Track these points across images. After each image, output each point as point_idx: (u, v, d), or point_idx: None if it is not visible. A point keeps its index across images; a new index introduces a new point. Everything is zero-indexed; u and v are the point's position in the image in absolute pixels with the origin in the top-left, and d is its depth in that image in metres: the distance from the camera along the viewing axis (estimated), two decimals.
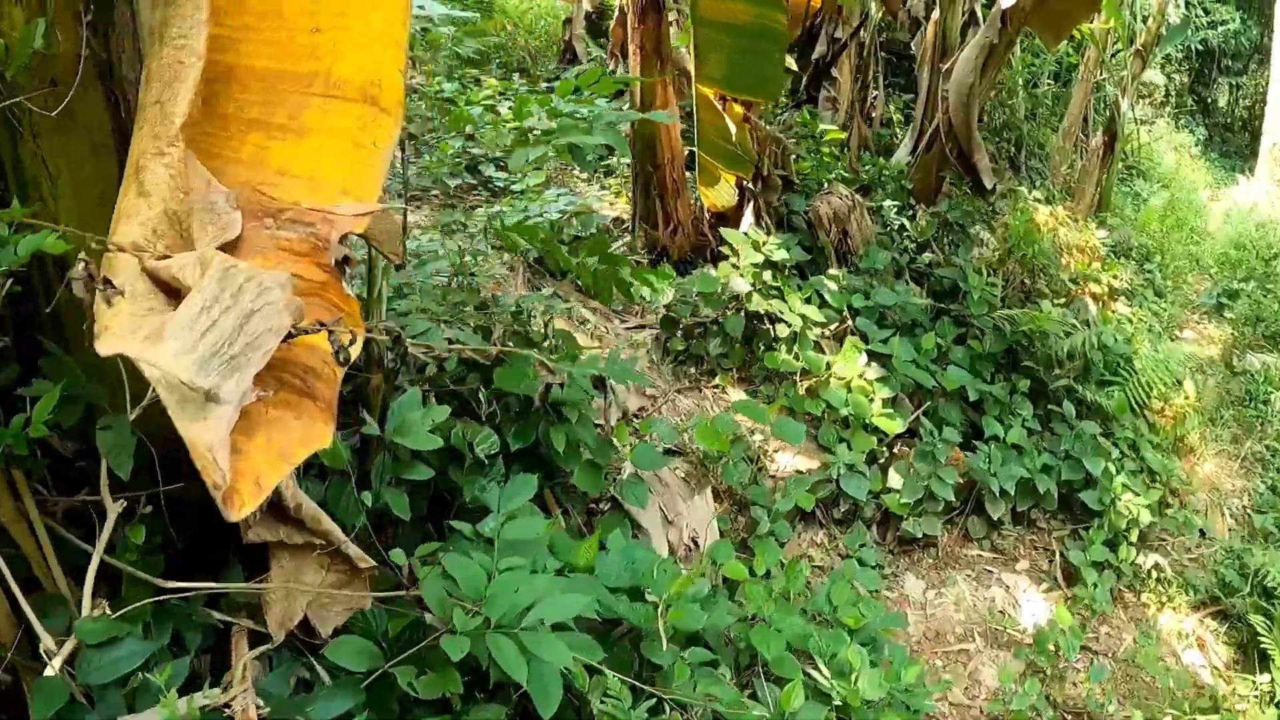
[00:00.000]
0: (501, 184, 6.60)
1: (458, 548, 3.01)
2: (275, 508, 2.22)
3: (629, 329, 5.63)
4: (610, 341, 5.53)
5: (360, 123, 1.73)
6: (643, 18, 5.65)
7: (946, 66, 6.54)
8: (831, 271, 5.49)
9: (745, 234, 5.33)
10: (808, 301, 5.21)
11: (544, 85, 8.88)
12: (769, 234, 5.74)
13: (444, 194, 6.59)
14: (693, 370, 5.28)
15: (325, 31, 1.75)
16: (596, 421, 4.29)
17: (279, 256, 1.62)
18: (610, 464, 4.16)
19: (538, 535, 3.03)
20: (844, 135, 6.96)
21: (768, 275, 5.16)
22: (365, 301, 3.46)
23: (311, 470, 3.06)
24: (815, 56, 7.85)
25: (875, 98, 8.07)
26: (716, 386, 5.19)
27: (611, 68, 8.17)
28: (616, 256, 4.17)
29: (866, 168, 6.96)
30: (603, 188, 7.14)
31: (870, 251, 5.67)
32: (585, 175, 7.21)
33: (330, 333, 1.56)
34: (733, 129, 5.23)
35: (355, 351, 1.62)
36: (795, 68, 7.34)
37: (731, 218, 5.94)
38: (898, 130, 8.14)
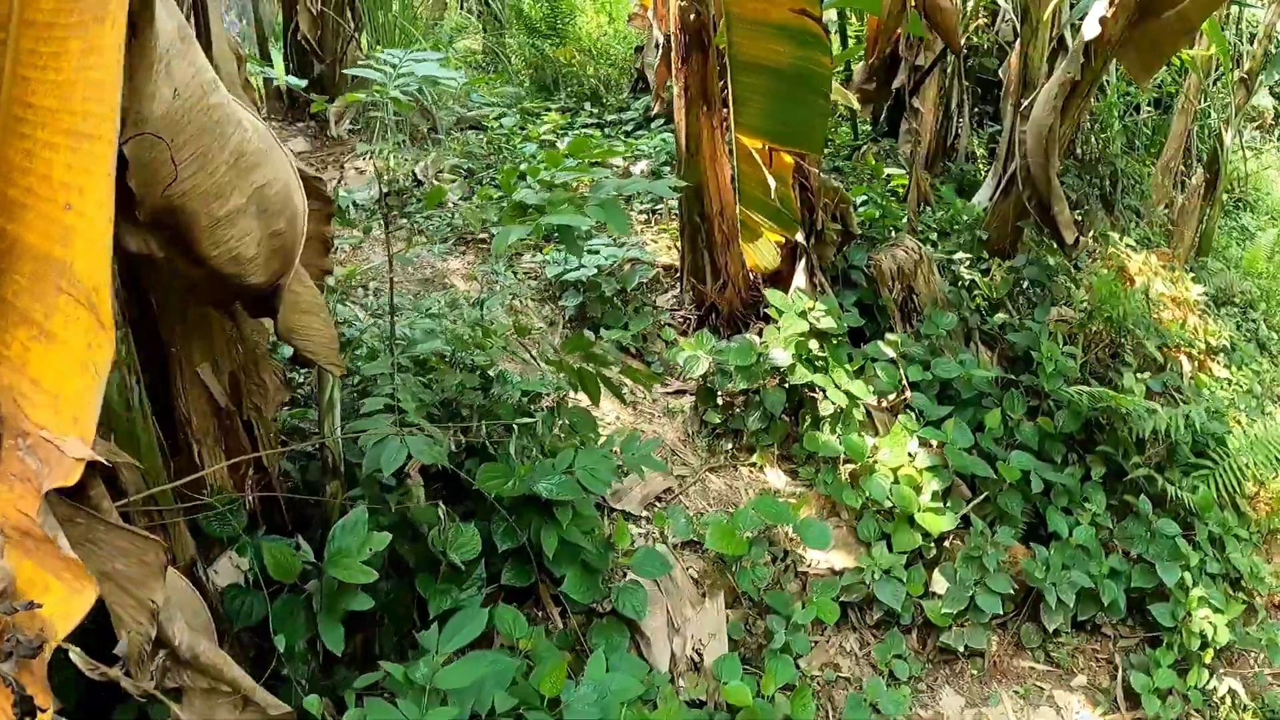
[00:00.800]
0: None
1: (392, 686, 2.78)
2: (172, 655, 2.02)
3: (669, 394, 5.32)
4: (647, 409, 5.23)
5: (88, 337, 1.40)
6: (686, 57, 5.30)
7: (1025, 104, 6.01)
8: (891, 337, 5.05)
9: (793, 295, 4.95)
10: (859, 373, 4.80)
11: (613, 116, 8.64)
12: (823, 292, 5.34)
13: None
14: (730, 445, 4.93)
15: (75, 209, 1.45)
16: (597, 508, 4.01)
17: (21, 489, 1.35)
18: (610, 567, 3.87)
19: (482, 676, 2.77)
20: (908, 181, 6.51)
21: (814, 344, 4.78)
22: (319, 409, 3.25)
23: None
24: (896, 85, 7.37)
25: (960, 131, 7.53)
26: (754, 465, 4.83)
27: (656, 109, 7.83)
28: (599, 355, 3.85)
29: (938, 214, 6.47)
30: (661, 229, 6.82)
31: (936, 313, 5.22)
32: (642, 216, 6.90)
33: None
34: (773, 184, 4.85)
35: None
36: (855, 104, 6.88)
37: (784, 273, 5.57)
38: (982, 167, 7.58)
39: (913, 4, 6.50)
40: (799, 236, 5.22)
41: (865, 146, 7.27)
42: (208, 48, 3.09)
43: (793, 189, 5.19)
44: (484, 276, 5.77)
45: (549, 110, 8.41)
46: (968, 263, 5.79)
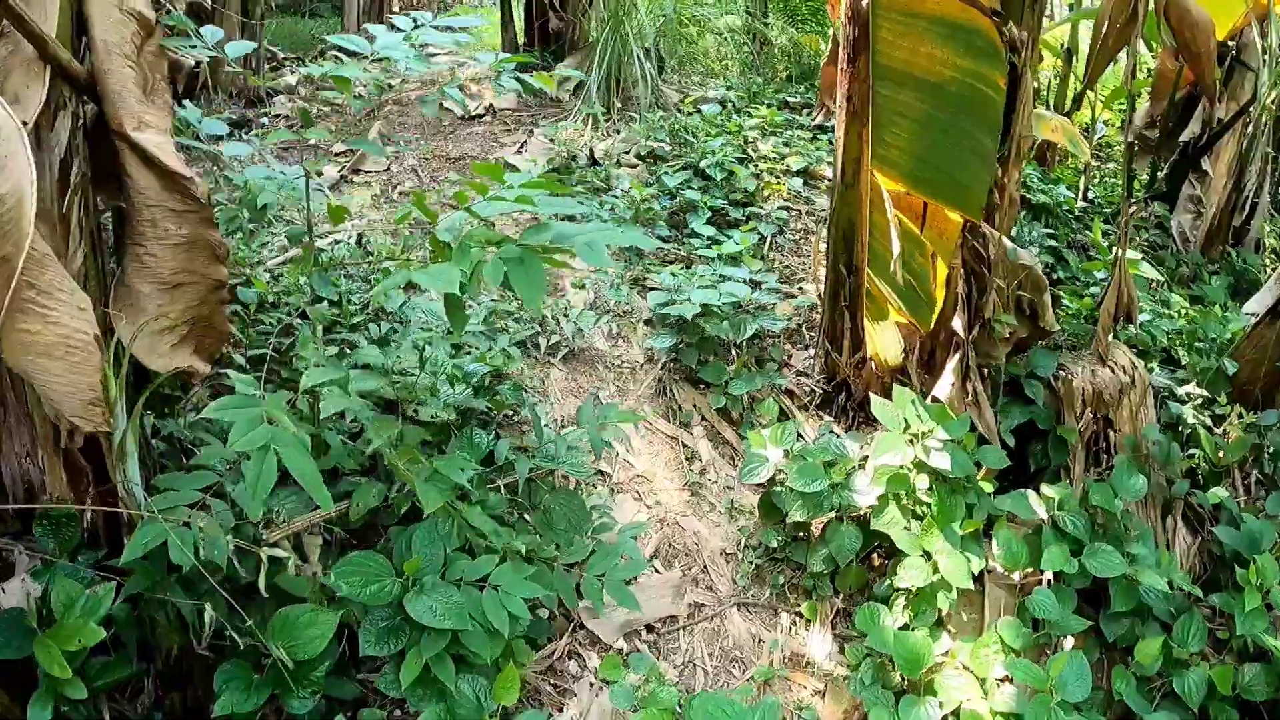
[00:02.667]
0: (702, 245, 5.23)
1: None
2: None
3: (756, 486, 4.11)
4: (711, 494, 4.09)
5: None
6: (853, 56, 3.99)
7: None
8: (1048, 491, 3.56)
9: (914, 407, 3.58)
10: (975, 538, 3.39)
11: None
12: (976, 403, 3.90)
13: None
14: (782, 579, 3.70)
15: None
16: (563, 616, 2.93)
17: None
18: None
19: None
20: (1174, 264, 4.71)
21: (920, 480, 3.42)
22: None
23: None
24: (1184, 139, 5.49)
25: (1253, 211, 5.48)
26: (799, 615, 3.59)
27: (818, 120, 6.36)
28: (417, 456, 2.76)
29: (1181, 319, 4.65)
30: (801, 256, 5.50)
31: (1125, 469, 3.63)
32: (792, 239, 5.60)
33: None
34: (896, 247, 3.45)
35: None
36: (1084, 153, 5.08)
37: (935, 362, 4.15)
38: (1269, 265, 5.49)
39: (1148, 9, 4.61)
40: (956, 324, 3.81)
41: (1128, 207, 5.46)
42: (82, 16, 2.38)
43: (956, 258, 3.77)
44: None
45: (765, 105, 7.21)
46: (1199, 401, 4.05)
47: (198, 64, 7.40)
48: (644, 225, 5.32)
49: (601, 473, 3.94)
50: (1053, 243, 5.50)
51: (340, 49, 3.04)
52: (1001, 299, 3.85)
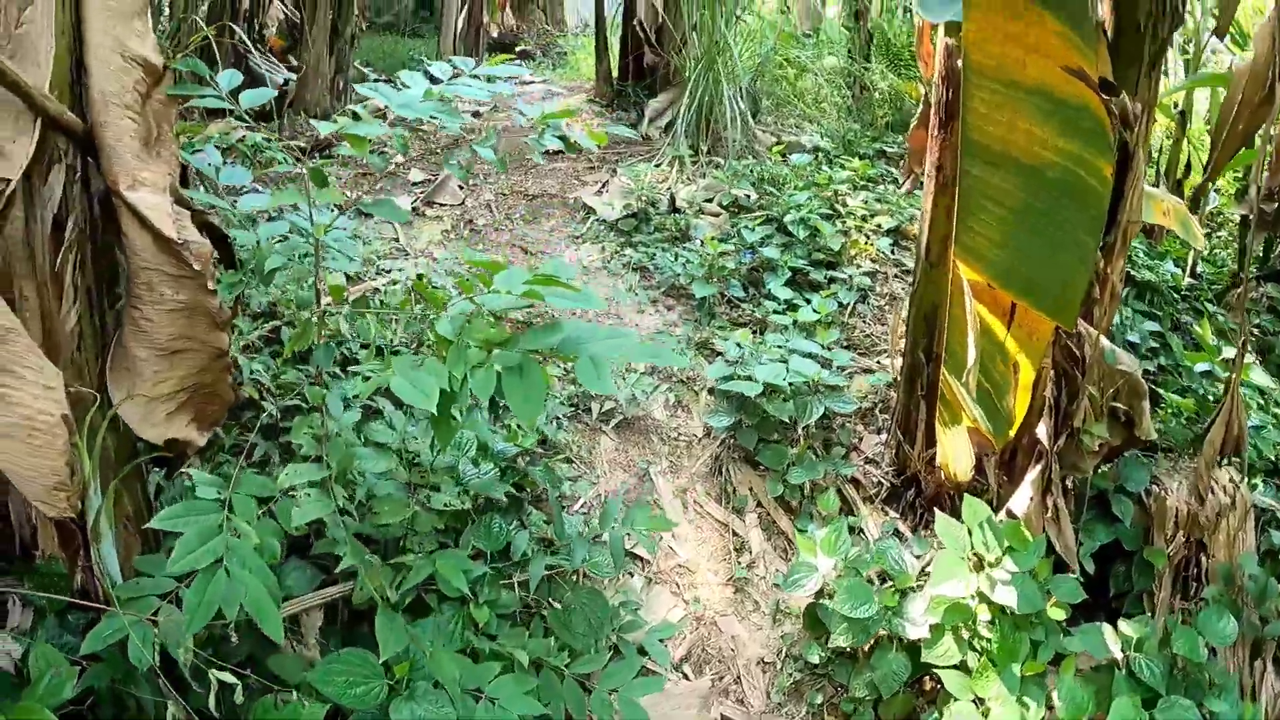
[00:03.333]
0: (778, 308, 4.91)
1: None
2: None
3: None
4: (757, 593, 3.76)
5: None
6: (946, 120, 3.64)
7: None
8: (1126, 628, 3.12)
9: (984, 530, 3.19)
10: (1039, 679, 2.99)
11: None
12: (1055, 520, 3.49)
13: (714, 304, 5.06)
14: (820, 699, 3.35)
15: None
16: None
17: None
18: None
19: None
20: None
21: (982, 613, 3.04)
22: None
23: None
24: None
25: None
26: None
27: (907, 187, 5.91)
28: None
29: None
30: (884, 324, 5.10)
31: (1213, 609, 3.17)
32: (876, 307, 5.21)
33: None
34: (972, 354, 3.06)
35: None
36: (1198, 242, 4.55)
37: (1015, 467, 3.74)
38: None
39: None
40: (1041, 432, 3.41)
41: (1235, 292, 4.93)
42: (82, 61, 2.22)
43: (1046, 358, 3.37)
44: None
45: (859, 155, 6.85)
46: None
47: (286, 82, 7.44)
48: (717, 283, 5.02)
49: (639, 558, 3.67)
50: (1154, 325, 5.02)
51: (383, 89, 2.84)
52: (1094, 407, 3.43)
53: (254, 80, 7.67)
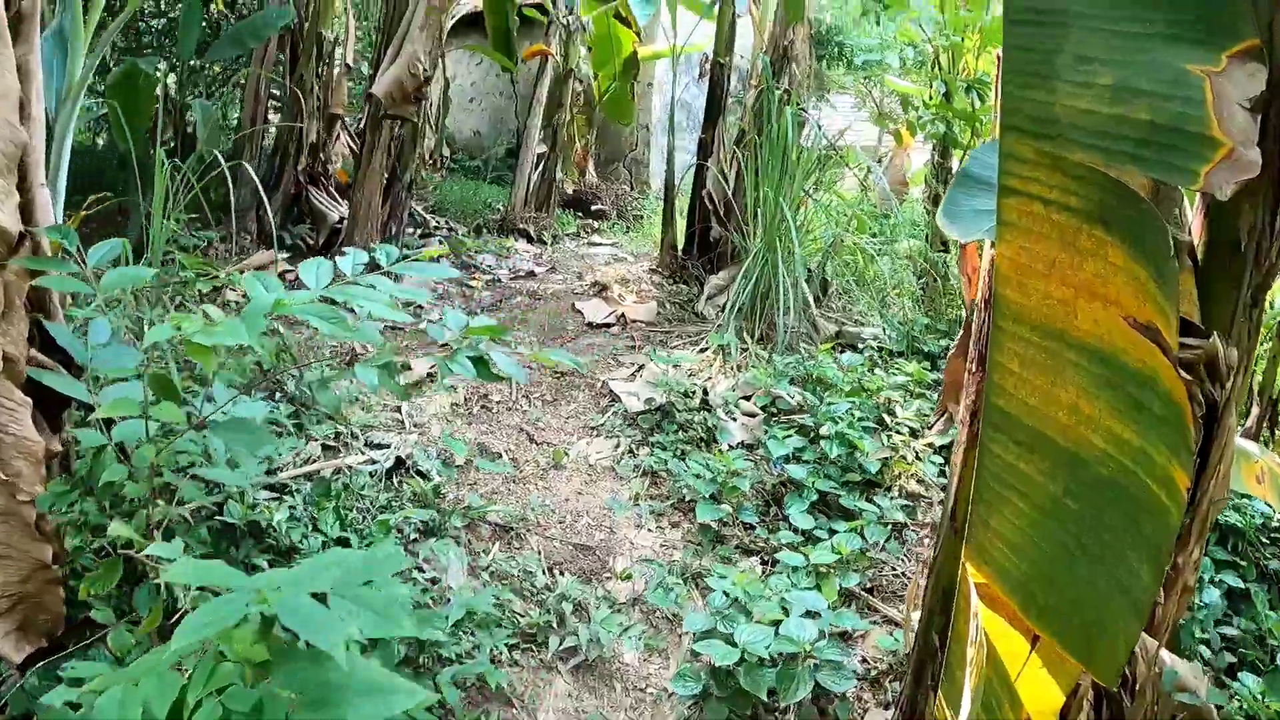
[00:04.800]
0: (794, 540, 4.31)
1: None
2: None
3: None
4: None
5: None
6: (983, 357, 3.07)
7: None
8: None
9: None
10: None
11: None
12: None
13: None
14: None
15: None
16: None
17: None
18: None
19: None
20: None
21: None
22: None
23: None
24: None
25: None
26: None
27: (938, 427, 5.22)
28: None
29: None
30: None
31: None
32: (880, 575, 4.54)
33: None
34: (1020, 709, 2.39)
35: None
36: None
37: None
38: None
39: None
40: None
41: None
42: None
43: (1085, 679, 2.69)
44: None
45: (920, 353, 6.30)
46: None
47: (340, 219, 7.37)
48: (728, 505, 4.49)
49: None
50: (1235, 579, 4.21)
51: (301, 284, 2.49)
52: None
53: (312, 213, 7.69)
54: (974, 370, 3.20)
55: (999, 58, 2.46)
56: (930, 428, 4.85)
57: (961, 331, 4.73)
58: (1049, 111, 1.84)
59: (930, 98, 7.95)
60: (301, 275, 2.37)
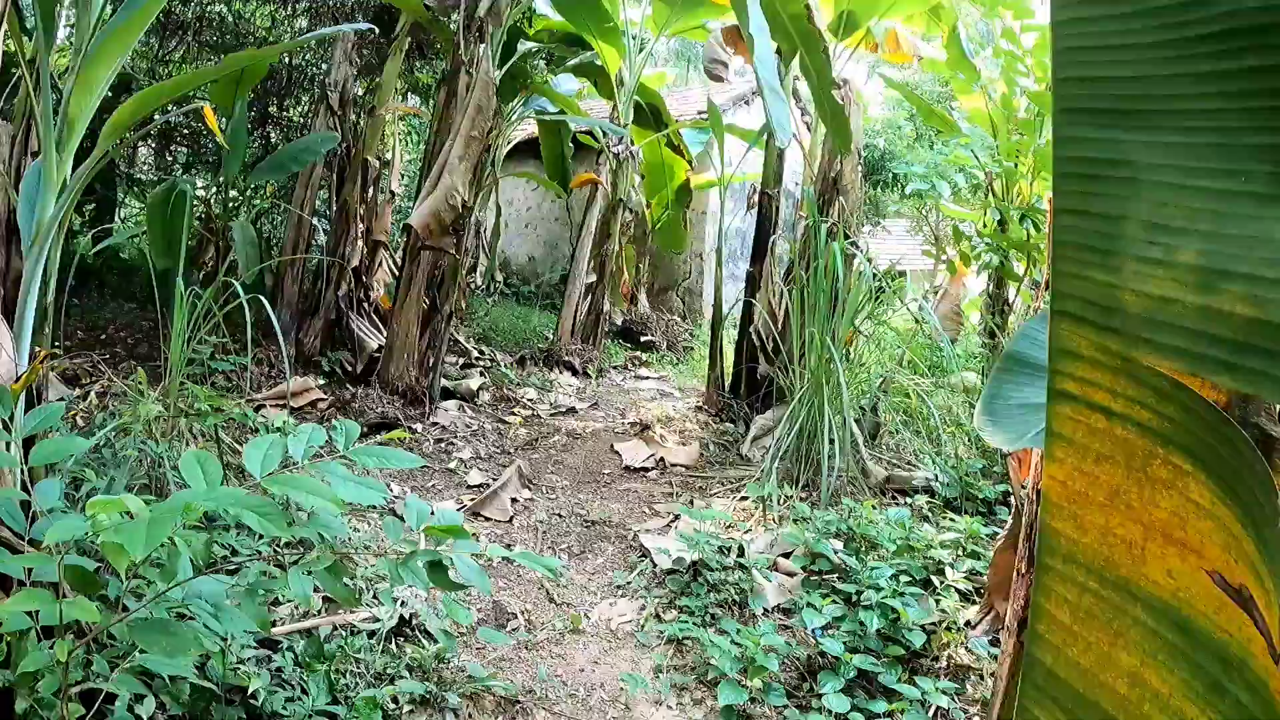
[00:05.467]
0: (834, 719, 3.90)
1: None
2: None
3: None
4: None
5: None
6: (1032, 560, 2.72)
7: None
8: None
9: None
10: None
11: None
12: None
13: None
14: None
15: None
16: None
17: None
18: None
19: None
20: None
21: None
22: None
23: None
24: None
25: None
26: None
27: (978, 631, 4.70)
28: None
29: None
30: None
31: None
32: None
33: None
34: None
35: None
36: None
37: None
38: None
39: None
40: None
41: None
42: None
43: None
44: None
45: (976, 502, 5.88)
46: None
47: (379, 347, 7.27)
48: (757, 683, 4.10)
49: None
50: None
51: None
52: None
53: (352, 340, 7.64)
54: (1024, 571, 2.85)
55: (1050, 201, 2.02)
56: (974, 626, 4.40)
57: (1010, 519, 4.24)
58: (1112, 297, 1.37)
59: (985, 224, 7.70)
60: (245, 461, 2.17)
